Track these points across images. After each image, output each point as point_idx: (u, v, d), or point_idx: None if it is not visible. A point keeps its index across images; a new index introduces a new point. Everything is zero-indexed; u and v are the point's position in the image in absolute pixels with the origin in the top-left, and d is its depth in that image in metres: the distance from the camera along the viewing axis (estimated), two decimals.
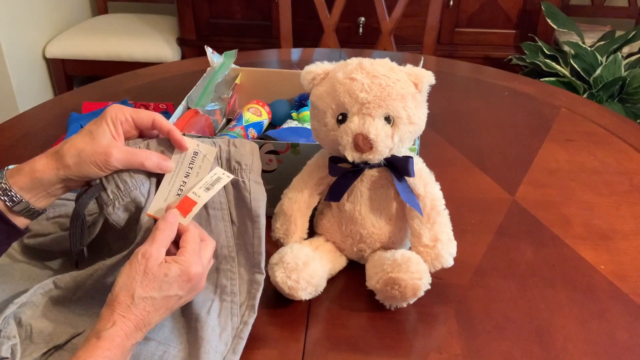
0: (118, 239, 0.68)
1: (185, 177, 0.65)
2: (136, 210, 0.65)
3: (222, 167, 0.67)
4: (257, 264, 0.69)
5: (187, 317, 0.66)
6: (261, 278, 0.69)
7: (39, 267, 0.72)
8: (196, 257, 0.59)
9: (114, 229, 0.66)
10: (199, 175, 0.66)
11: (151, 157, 0.64)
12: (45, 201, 0.63)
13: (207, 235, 0.64)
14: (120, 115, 0.63)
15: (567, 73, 2.09)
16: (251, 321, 0.66)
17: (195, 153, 0.66)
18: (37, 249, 0.73)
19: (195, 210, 0.63)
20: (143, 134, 0.67)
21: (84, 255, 0.66)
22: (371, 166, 0.70)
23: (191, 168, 0.65)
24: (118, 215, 0.64)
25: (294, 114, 1.05)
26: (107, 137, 0.62)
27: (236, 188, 0.67)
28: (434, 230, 0.70)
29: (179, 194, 0.65)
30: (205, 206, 0.67)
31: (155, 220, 0.63)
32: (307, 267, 0.69)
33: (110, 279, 0.64)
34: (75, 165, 0.61)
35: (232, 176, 0.65)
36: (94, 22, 2.66)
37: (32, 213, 0.62)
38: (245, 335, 0.65)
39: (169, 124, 0.65)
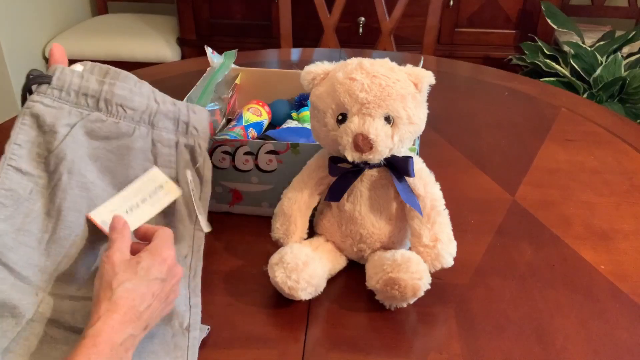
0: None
1: (142, 201, 0.67)
2: (54, 167, 0.64)
3: (178, 129, 0.69)
4: (197, 222, 0.72)
5: None
6: (202, 235, 0.72)
7: None
8: (165, 243, 0.61)
9: None
10: (155, 206, 0.68)
11: None
12: None
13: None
14: None
15: (567, 73, 2.09)
16: (199, 270, 0.70)
17: (161, 187, 0.69)
18: None
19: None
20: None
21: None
22: (371, 166, 0.70)
23: (150, 197, 0.68)
24: (34, 122, 0.64)
25: (294, 114, 1.05)
26: None
27: (191, 152, 0.70)
28: (434, 231, 0.70)
29: (127, 212, 0.66)
30: (153, 142, 0.69)
31: (93, 224, 0.64)
32: (307, 267, 0.69)
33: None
34: None
35: (180, 191, 0.69)
36: (94, 22, 2.66)
37: None
38: (198, 279, 0.68)
39: None
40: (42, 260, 0.62)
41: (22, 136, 0.63)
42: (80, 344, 0.52)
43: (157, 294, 0.58)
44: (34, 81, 0.63)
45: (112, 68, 0.68)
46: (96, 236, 0.66)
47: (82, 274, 0.65)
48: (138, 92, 0.68)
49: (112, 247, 0.59)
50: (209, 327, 0.68)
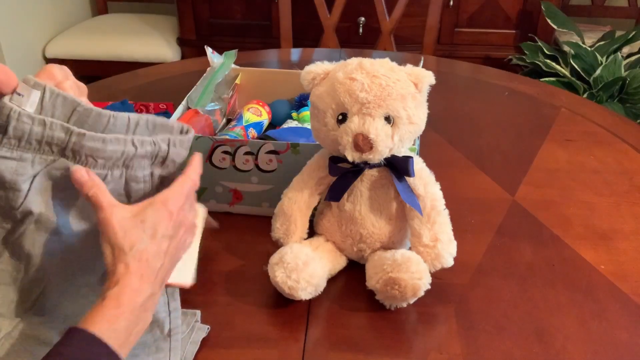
0: None
1: None
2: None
3: (155, 162, 0.62)
4: None
5: None
6: None
7: None
8: (175, 193, 0.58)
9: None
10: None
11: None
12: None
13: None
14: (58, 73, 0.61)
15: (567, 73, 2.09)
16: None
17: None
18: None
19: None
20: None
21: None
22: (371, 166, 0.70)
23: None
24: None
25: (294, 114, 1.05)
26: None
27: (162, 181, 0.63)
28: (434, 230, 0.70)
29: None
30: (127, 181, 0.61)
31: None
32: (307, 267, 0.69)
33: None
34: None
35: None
36: (94, 22, 2.66)
37: None
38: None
39: None
40: (16, 295, 0.59)
41: None
42: (102, 305, 0.51)
43: (167, 251, 0.56)
44: None
45: (80, 103, 0.58)
46: (75, 272, 0.62)
47: (62, 310, 0.62)
48: (112, 139, 0.58)
49: (102, 206, 0.54)
50: (208, 326, 0.68)
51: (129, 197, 0.63)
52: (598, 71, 2.00)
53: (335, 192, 0.72)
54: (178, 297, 0.65)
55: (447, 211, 0.72)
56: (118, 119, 0.59)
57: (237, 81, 1.10)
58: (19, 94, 0.56)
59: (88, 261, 0.62)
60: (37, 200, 0.58)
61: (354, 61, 0.69)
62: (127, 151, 0.60)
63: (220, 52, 1.06)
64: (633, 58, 2.09)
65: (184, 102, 0.95)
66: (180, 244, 0.59)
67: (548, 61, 2.14)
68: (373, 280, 0.70)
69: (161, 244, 0.56)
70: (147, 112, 1.17)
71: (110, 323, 0.50)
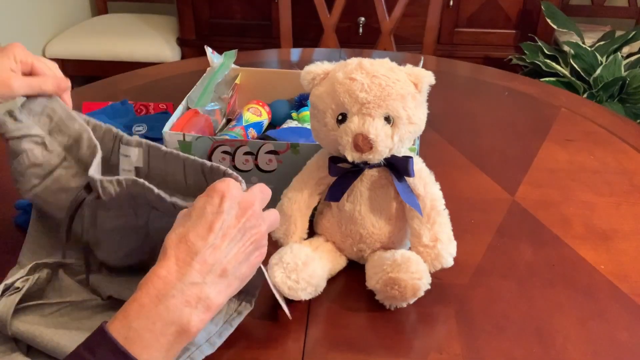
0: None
1: None
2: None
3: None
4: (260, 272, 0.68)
5: None
6: (259, 280, 0.67)
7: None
8: (225, 182, 0.52)
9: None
10: None
11: (47, 81, 0.66)
12: None
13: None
14: (23, 57, 0.66)
15: (567, 73, 2.09)
16: (245, 313, 0.66)
17: None
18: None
19: None
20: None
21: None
22: (371, 166, 0.70)
23: None
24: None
25: (294, 114, 1.05)
26: (6, 70, 0.65)
27: None
28: (433, 230, 0.70)
29: None
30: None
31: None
32: (307, 267, 0.69)
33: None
34: None
35: None
36: (94, 22, 2.66)
37: None
38: (235, 324, 0.64)
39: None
40: None
41: None
42: (132, 298, 0.46)
43: (221, 228, 0.49)
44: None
45: (165, 149, 0.64)
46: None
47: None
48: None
49: None
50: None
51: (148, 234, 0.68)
52: (598, 71, 2.01)
53: (335, 192, 0.72)
54: (225, 337, 0.64)
55: (447, 211, 0.72)
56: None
57: (237, 81, 1.10)
58: (125, 156, 0.64)
59: None
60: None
61: (354, 61, 0.69)
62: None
63: (220, 52, 1.06)
64: (633, 58, 2.09)
65: (183, 102, 0.95)
66: (246, 223, 0.52)
67: (548, 61, 2.14)
68: (373, 280, 0.70)
69: (212, 221, 0.49)
70: (147, 112, 1.17)
71: (127, 320, 0.45)
